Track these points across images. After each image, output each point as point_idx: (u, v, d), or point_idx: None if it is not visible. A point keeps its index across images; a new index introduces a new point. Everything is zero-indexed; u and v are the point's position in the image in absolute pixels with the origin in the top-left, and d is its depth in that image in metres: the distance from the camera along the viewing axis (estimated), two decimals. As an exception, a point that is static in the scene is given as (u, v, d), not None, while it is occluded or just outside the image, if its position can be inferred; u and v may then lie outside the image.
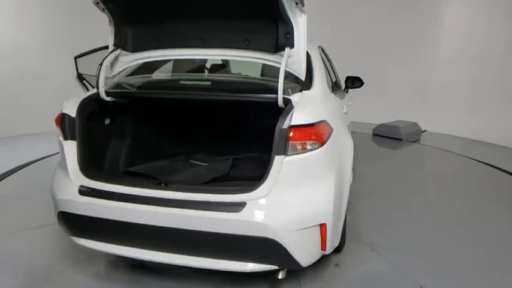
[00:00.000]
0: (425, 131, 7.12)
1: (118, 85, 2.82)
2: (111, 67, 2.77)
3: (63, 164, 2.42)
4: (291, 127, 2.09)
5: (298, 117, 2.12)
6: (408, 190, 4.44)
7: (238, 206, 2.05)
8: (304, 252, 2.20)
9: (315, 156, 2.13)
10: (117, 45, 2.67)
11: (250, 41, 2.41)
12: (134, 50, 2.70)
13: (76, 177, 2.32)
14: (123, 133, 3.01)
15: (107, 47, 4.36)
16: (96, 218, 2.22)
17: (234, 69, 4.25)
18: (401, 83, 7.42)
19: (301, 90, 2.49)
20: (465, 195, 4.33)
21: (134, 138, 3.04)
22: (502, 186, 4.70)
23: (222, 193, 2.13)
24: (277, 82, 2.27)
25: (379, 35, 7.39)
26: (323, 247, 2.26)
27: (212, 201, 2.09)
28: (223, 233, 2.07)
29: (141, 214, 2.14)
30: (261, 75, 3.55)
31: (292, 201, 2.09)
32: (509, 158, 5.75)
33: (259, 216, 2.03)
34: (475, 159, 5.62)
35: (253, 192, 2.09)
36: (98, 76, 2.58)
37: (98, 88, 2.59)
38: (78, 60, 4.32)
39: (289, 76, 2.42)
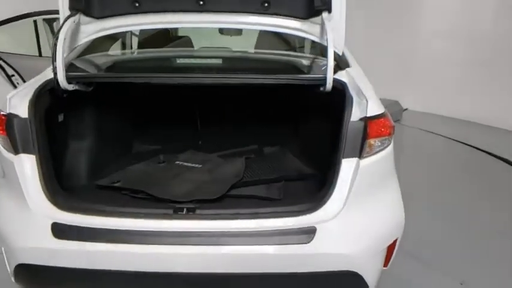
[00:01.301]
0: (406, 109, 7.04)
1: (73, 66, 2.08)
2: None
3: (13, 192, 1.68)
4: (369, 119, 1.67)
5: (373, 105, 1.71)
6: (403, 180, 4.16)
7: (306, 234, 1.60)
8: (374, 276, 1.84)
9: (388, 155, 1.79)
10: (74, 9, 1.96)
11: (270, 3, 1.99)
12: (101, 15, 2.03)
13: (43, 210, 1.61)
14: (82, 131, 2.35)
15: (28, 15, 3.50)
16: (85, 270, 1.55)
17: (211, 41, 3.65)
18: (382, 56, 7.09)
19: (342, 68, 2.01)
20: (459, 183, 4.17)
21: (96, 136, 2.42)
22: (495, 172, 4.59)
23: (279, 216, 1.60)
24: (300, 58, 1.81)
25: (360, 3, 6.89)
26: (386, 263, 1.93)
27: (268, 231, 1.58)
28: (285, 273, 1.60)
29: (159, 259, 1.57)
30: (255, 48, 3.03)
31: (369, 218, 1.75)
32: (493, 139, 5.66)
33: (336, 244, 1.63)
34: (461, 142, 5.49)
35: (321, 211, 1.64)
36: (53, 54, 1.83)
37: (55, 72, 1.84)
38: None
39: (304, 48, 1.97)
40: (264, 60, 2.50)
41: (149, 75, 1.98)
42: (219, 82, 1.99)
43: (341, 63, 2.07)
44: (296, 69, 2.14)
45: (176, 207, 1.64)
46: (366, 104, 1.69)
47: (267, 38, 3.13)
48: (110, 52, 2.64)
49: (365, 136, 1.66)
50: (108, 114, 2.53)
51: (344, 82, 1.86)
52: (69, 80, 1.89)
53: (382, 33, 7.12)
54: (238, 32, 3.41)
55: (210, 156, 2.71)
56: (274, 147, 2.84)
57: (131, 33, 3.40)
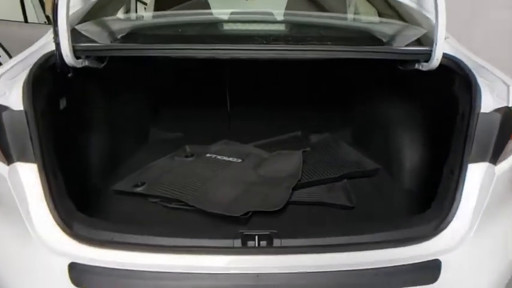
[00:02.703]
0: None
1: (78, 35, 1.55)
2: None
3: (8, 219, 1.23)
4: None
5: None
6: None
7: (430, 270, 1.21)
8: None
9: None
10: None
11: None
12: None
13: (54, 245, 1.15)
14: (90, 120, 1.85)
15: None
16: None
17: (226, 4, 3.11)
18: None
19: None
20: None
21: (108, 125, 1.94)
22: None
23: (388, 245, 1.19)
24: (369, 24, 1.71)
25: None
26: None
27: (377, 268, 1.18)
28: None
29: None
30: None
31: (500, 243, 1.36)
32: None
33: (466, 281, 1.28)
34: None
35: (443, 235, 1.23)
36: (54, 17, 1.31)
37: (57, 43, 1.33)
38: None
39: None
40: (331, 27, 2.00)
41: (198, 46, 1.46)
42: (301, 57, 1.51)
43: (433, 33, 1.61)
44: (373, 38, 1.67)
45: (244, 235, 1.19)
46: (506, 90, 1.27)
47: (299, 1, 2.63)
48: (121, 15, 2.10)
49: (507, 133, 1.25)
50: (119, 95, 2.06)
51: (458, 58, 1.42)
52: (78, 53, 1.39)
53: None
54: None
55: (247, 147, 2.27)
56: (322, 134, 2.39)
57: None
